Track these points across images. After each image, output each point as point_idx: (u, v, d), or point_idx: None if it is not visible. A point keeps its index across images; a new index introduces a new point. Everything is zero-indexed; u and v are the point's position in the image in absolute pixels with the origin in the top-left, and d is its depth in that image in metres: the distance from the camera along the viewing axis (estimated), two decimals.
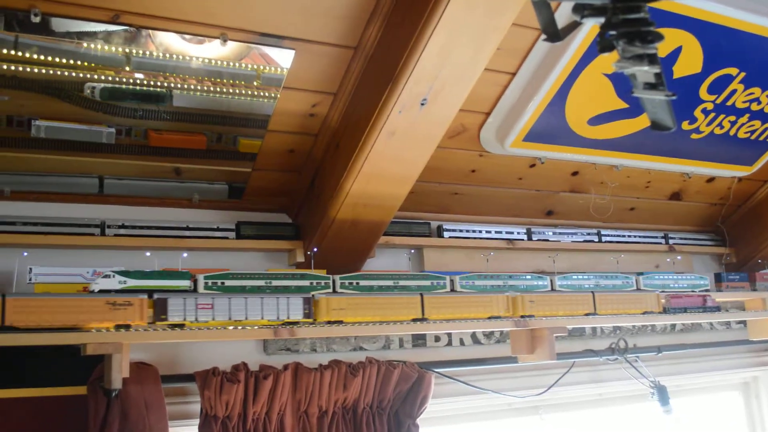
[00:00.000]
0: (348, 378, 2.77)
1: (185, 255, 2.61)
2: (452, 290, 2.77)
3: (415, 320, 2.66)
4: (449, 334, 3.34)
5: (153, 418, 2.43)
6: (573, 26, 1.56)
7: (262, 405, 2.62)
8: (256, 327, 2.41)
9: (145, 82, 2.44)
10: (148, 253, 2.61)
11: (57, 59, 2.29)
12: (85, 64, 2.32)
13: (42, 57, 2.27)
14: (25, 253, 2.49)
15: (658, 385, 3.67)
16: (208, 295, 2.37)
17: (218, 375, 2.54)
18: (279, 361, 2.80)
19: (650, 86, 1.44)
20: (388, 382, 2.84)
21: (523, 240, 3.56)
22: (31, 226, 2.56)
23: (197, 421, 2.58)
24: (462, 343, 3.38)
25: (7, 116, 2.41)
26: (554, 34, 1.57)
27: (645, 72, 1.40)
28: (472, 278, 2.84)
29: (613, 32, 1.38)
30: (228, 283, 2.43)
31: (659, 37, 1.33)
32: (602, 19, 1.39)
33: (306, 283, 2.55)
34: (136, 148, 2.65)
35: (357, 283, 2.61)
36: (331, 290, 2.57)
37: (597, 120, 3.17)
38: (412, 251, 3.32)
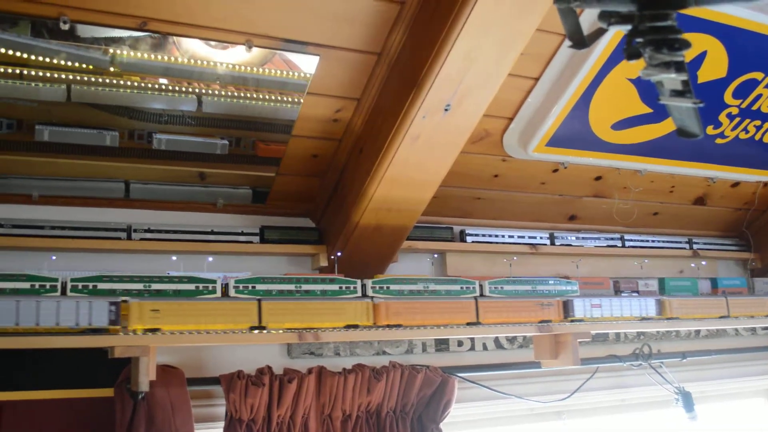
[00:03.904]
0: (372, 382, 2.78)
1: (210, 259, 2.64)
2: (482, 295, 2.77)
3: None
4: (472, 339, 3.34)
5: (179, 420, 2.46)
6: (599, 33, 1.56)
7: (286, 408, 2.63)
8: (281, 331, 2.43)
9: (170, 88, 2.47)
10: (174, 257, 2.64)
11: (84, 65, 2.32)
12: (111, 70, 2.35)
13: (69, 63, 2.29)
14: (54, 257, 2.54)
15: (683, 391, 3.63)
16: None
17: (243, 378, 2.56)
18: (303, 365, 2.82)
19: (677, 93, 1.43)
20: (411, 387, 2.85)
21: (545, 245, 3.56)
22: (59, 230, 2.61)
23: (222, 424, 2.60)
24: (485, 347, 3.38)
25: (34, 122, 2.45)
26: (580, 40, 1.57)
27: (672, 79, 1.39)
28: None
29: (639, 40, 1.37)
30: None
31: (686, 45, 1.32)
32: (629, 27, 1.38)
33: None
34: (160, 152, 2.67)
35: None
36: (360, 294, 2.56)
37: (621, 125, 3.16)
38: (435, 256, 3.33)
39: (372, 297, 2.61)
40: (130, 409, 2.42)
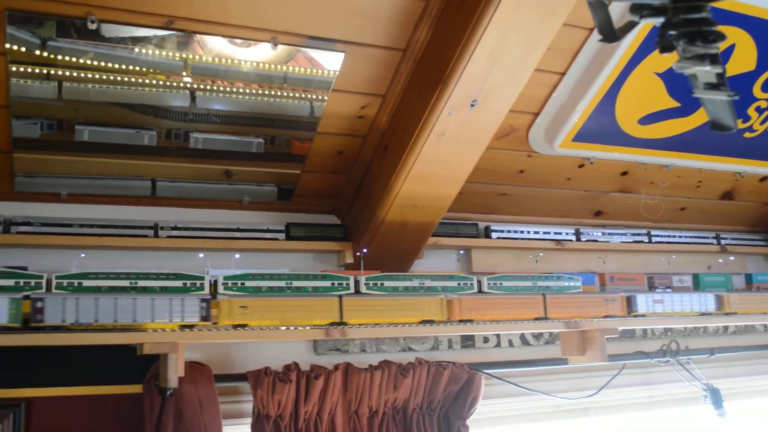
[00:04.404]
0: (398, 378, 2.77)
1: (237, 256, 2.66)
2: (480, 291, 2.75)
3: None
4: (498, 335, 3.33)
5: (207, 416, 2.47)
6: (630, 26, 1.54)
7: (313, 405, 2.64)
8: (308, 327, 2.43)
9: (195, 86, 2.48)
10: (201, 255, 2.66)
11: (109, 64, 2.33)
12: (137, 68, 2.36)
13: (95, 63, 2.31)
14: (82, 254, 2.56)
15: (712, 388, 3.60)
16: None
17: (270, 375, 2.57)
18: (329, 361, 2.82)
19: (711, 86, 1.41)
20: (438, 383, 2.85)
21: (571, 241, 3.53)
22: (87, 228, 2.63)
23: (249, 420, 2.61)
24: (511, 344, 3.37)
25: (62, 121, 2.47)
26: (611, 34, 1.55)
27: (706, 72, 1.38)
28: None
29: (672, 32, 1.36)
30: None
31: (721, 37, 1.30)
32: (661, 19, 1.37)
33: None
34: (186, 150, 2.69)
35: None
36: (353, 291, 2.56)
37: (648, 119, 3.13)
38: (461, 252, 3.32)
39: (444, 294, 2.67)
40: (159, 405, 2.44)
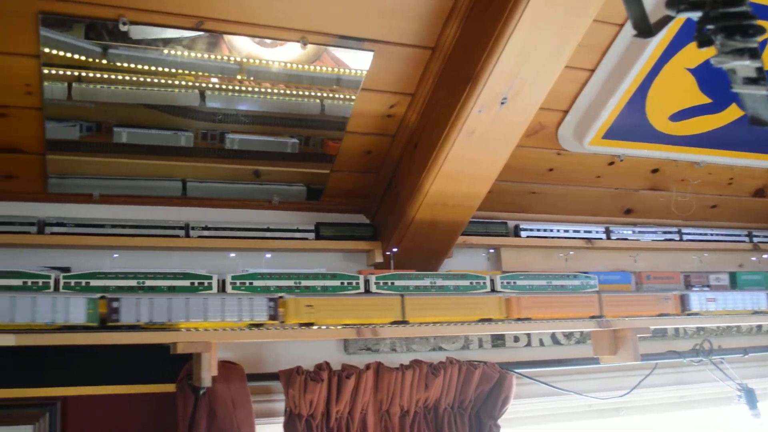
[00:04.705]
0: (429, 378, 2.77)
1: (268, 256, 2.67)
2: (492, 290, 2.75)
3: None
4: (528, 335, 3.31)
5: (240, 415, 2.48)
6: (666, 21, 1.52)
7: (345, 404, 2.64)
8: (339, 327, 2.44)
9: (223, 87, 2.49)
10: (232, 254, 2.67)
11: (139, 66, 2.35)
12: (166, 70, 2.38)
13: (124, 64, 2.33)
14: (116, 255, 2.58)
15: (746, 388, 3.55)
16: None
17: (302, 374, 2.58)
18: (359, 361, 2.82)
19: (751, 81, 1.39)
20: (469, 383, 2.84)
21: (601, 239, 3.50)
22: (119, 228, 2.65)
23: (281, 419, 2.62)
24: (541, 343, 3.35)
25: (94, 122, 2.49)
26: (646, 29, 1.53)
27: (746, 67, 1.36)
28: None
29: (710, 26, 1.34)
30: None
31: (761, 30, 1.29)
32: (699, 13, 1.35)
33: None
34: (216, 151, 2.70)
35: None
36: (363, 291, 2.56)
37: (679, 116, 3.09)
38: (491, 251, 3.30)
39: (502, 292, 2.74)
40: (192, 404, 2.46)
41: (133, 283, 2.28)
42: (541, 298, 2.76)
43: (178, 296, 2.26)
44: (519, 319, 2.71)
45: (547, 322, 2.79)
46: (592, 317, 2.85)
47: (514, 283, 2.77)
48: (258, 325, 2.36)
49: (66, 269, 2.31)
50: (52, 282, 2.20)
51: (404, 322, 2.53)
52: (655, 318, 3.01)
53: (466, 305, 2.62)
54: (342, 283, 2.51)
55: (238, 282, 2.39)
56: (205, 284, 2.36)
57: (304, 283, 2.46)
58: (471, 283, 2.67)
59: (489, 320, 2.66)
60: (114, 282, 2.26)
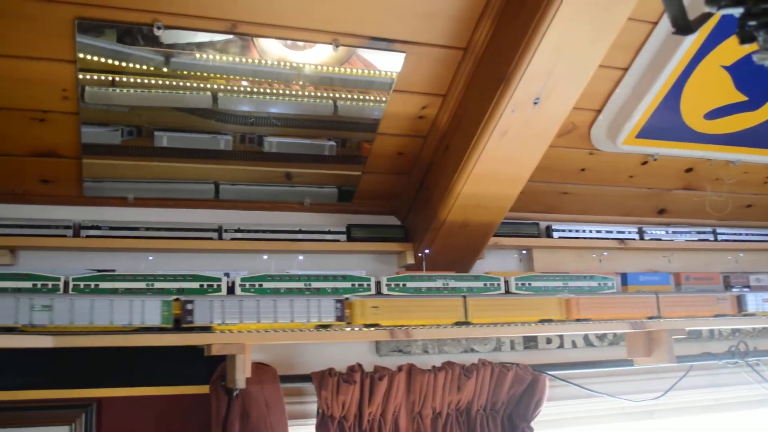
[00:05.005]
0: (462, 380, 2.76)
1: (301, 258, 2.67)
2: (507, 291, 2.73)
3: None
4: (561, 336, 3.28)
5: (273, 417, 2.49)
6: (705, 17, 1.49)
7: (377, 406, 2.64)
8: (372, 328, 2.43)
9: (255, 90, 2.50)
10: (265, 257, 2.69)
11: (173, 70, 2.37)
12: (195, 73, 2.39)
13: (160, 68, 2.35)
14: (150, 257, 2.61)
15: None
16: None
17: (334, 376, 2.58)
18: (391, 363, 2.82)
19: None
20: (501, 385, 2.82)
21: (634, 239, 3.46)
22: (153, 231, 2.67)
23: (313, 421, 2.63)
24: (574, 345, 3.32)
25: (134, 127, 2.52)
26: (685, 26, 1.51)
27: None
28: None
29: (753, 22, 1.31)
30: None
31: None
32: (741, 9, 1.32)
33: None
34: (248, 154, 2.71)
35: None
36: (373, 292, 2.56)
37: (714, 114, 3.05)
38: (524, 252, 3.28)
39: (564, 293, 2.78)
40: (225, 405, 2.47)
41: (142, 285, 2.30)
42: (600, 300, 2.79)
43: (249, 298, 2.31)
44: (578, 320, 2.73)
45: (604, 323, 2.80)
46: (650, 318, 2.86)
47: (529, 284, 2.75)
48: (325, 326, 2.38)
49: (111, 271, 2.33)
50: (61, 284, 2.22)
51: (467, 323, 2.56)
52: (701, 319, 2.98)
53: (526, 306, 2.65)
54: (353, 285, 2.51)
55: (247, 284, 2.40)
56: (215, 286, 2.37)
57: (314, 285, 2.46)
58: (485, 284, 2.66)
59: (550, 321, 2.68)
60: (122, 284, 2.28)
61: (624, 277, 3.30)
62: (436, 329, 2.49)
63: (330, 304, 2.38)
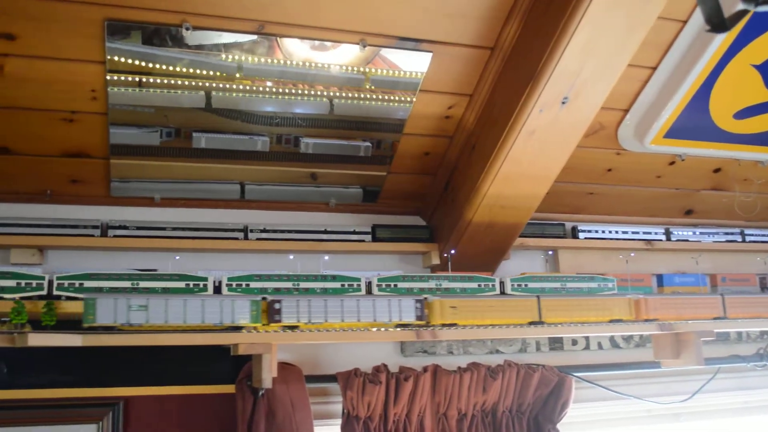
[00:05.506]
0: (487, 381, 2.74)
1: (327, 258, 2.67)
2: (502, 293, 2.69)
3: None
4: (587, 338, 3.26)
5: (299, 417, 2.49)
6: (741, 15, 1.48)
7: (402, 406, 2.63)
8: (398, 329, 2.43)
9: (280, 90, 2.50)
10: (291, 256, 2.69)
11: (200, 71, 2.37)
12: (226, 74, 2.40)
13: (187, 69, 2.36)
14: (177, 257, 2.62)
15: None
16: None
17: (360, 376, 2.58)
18: (416, 363, 2.81)
19: None
20: (528, 386, 2.80)
21: (661, 240, 3.43)
22: (180, 231, 2.69)
23: (338, 421, 2.62)
24: (600, 346, 3.29)
25: (157, 127, 2.53)
26: (720, 24, 1.49)
27: None
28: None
29: None
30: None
31: None
32: None
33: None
34: (274, 154, 2.71)
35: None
36: (363, 293, 2.53)
37: (744, 113, 3.01)
38: (550, 253, 3.26)
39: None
40: (251, 405, 2.48)
41: (127, 284, 2.30)
42: (668, 300, 2.84)
43: (334, 297, 2.36)
44: (647, 320, 2.77)
45: (670, 323, 2.81)
46: (716, 318, 2.89)
47: (526, 285, 2.72)
48: (405, 325, 2.40)
49: (153, 271, 2.35)
50: (45, 283, 2.23)
51: (540, 323, 2.59)
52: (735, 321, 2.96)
53: (598, 307, 2.70)
54: (342, 285, 2.50)
55: (234, 284, 2.39)
56: (201, 286, 2.37)
57: (303, 284, 2.45)
58: (479, 285, 2.64)
59: (619, 321, 2.71)
60: (107, 283, 2.28)
61: (660, 279, 3.28)
62: (401, 331, 2.47)
63: (410, 304, 2.44)
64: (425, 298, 2.48)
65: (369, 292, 2.51)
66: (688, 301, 2.89)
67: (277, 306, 2.29)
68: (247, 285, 2.39)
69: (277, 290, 2.40)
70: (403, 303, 2.43)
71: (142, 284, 2.31)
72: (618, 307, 2.72)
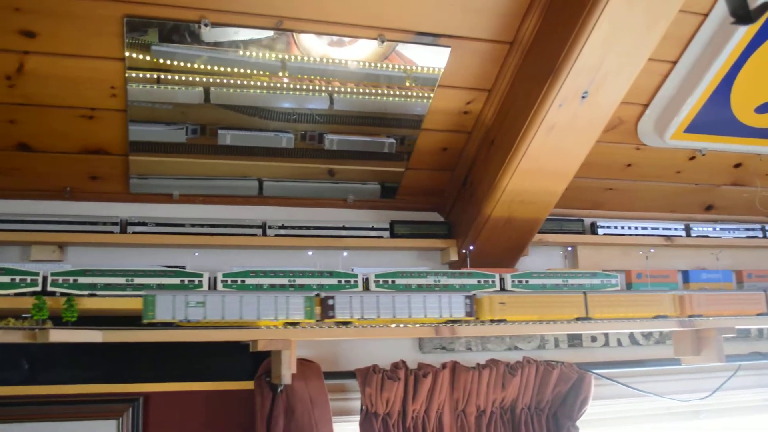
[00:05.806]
0: (506, 377, 2.73)
1: (345, 254, 2.67)
2: (502, 289, 2.67)
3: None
4: (606, 335, 3.24)
5: (318, 413, 2.49)
6: (766, 7, 1.46)
7: (421, 403, 2.63)
8: (417, 325, 2.42)
9: (297, 87, 2.49)
10: (310, 253, 2.69)
11: (218, 67, 2.37)
12: (245, 71, 2.39)
13: (205, 66, 2.35)
14: (197, 253, 2.63)
15: None
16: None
17: (378, 372, 2.57)
18: (434, 360, 2.81)
19: None
20: (546, 383, 2.79)
21: (681, 236, 3.40)
22: (198, 227, 2.69)
23: (357, 418, 2.62)
24: (619, 343, 3.27)
25: (182, 124, 2.53)
26: (745, 16, 1.48)
27: None
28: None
29: None
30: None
31: None
32: None
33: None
34: (292, 151, 2.71)
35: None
36: (361, 289, 2.53)
37: (765, 107, 2.98)
38: (569, 249, 3.24)
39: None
40: (270, 401, 2.48)
41: (121, 280, 2.29)
42: (712, 297, 2.86)
43: (385, 294, 2.40)
44: (691, 316, 2.79)
45: (712, 320, 2.82)
46: (759, 314, 2.91)
47: (526, 282, 2.69)
48: (340, 323, 2.37)
49: (181, 267, 2.37)
50: (39, 279, 2.22)
51: (587, 319, 2.62)
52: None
53: (643, 303, 2.72)
54: (339, 281, 2.50)
55: (229, 280, 2.39)
56: (196, 282, 2.37)
57: (299, 281, 2.44)
58: (479, 281, 2.63)
59: (665, 317, 2.73)
60: (102, 279, 2.28)
61: (686, 275, 3.26)
62: (420, 327, 2.47)
63: (460, 300, 2.47)
64: (474, 294, 2.52)
65: (366, 288, 2.51)
66: (732, 297, 2.91)
67: (330, 302, 2.35)
68: (243, 281, 2.39)
69: (272, 286, 2.41)
70: (453, 299, 2.47)
71: (137, 280, 2.31)
72: (664, 304, 2.74)
